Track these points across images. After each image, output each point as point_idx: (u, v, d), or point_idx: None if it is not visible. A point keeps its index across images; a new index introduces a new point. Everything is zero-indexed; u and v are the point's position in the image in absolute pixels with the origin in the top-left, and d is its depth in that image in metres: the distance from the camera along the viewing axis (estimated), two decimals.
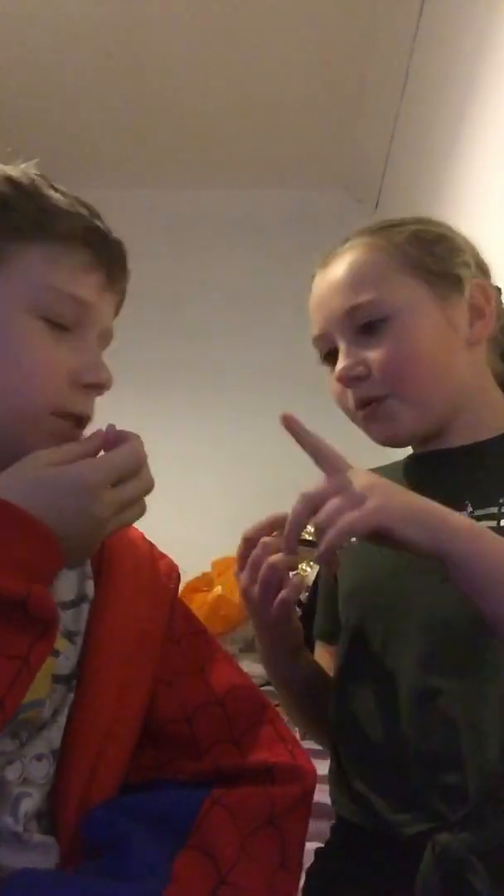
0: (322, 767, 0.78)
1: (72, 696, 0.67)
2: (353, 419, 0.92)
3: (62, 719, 0.66)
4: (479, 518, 0.81)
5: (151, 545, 0.83)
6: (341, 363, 0.88)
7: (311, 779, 0.70)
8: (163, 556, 0.83)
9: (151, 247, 2.79)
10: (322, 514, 0.69)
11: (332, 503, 0.69)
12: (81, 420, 0.69)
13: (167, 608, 0.78)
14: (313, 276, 0.96)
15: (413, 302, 0.87)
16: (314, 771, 0.70)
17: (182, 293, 2.88)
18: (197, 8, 2.17)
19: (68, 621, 0.70)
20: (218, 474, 2.70)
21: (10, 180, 0.68)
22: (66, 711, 0.66)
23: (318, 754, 0.87)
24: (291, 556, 0.80)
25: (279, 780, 0.67)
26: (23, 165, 0.70)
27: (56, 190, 0.70)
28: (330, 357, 0.92)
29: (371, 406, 0.88)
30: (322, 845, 0.88)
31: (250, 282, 2.89)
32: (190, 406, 2.81)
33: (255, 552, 0.83)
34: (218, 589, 2.17)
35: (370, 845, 0.79)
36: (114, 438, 0.65)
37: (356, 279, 0.89)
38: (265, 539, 0.83)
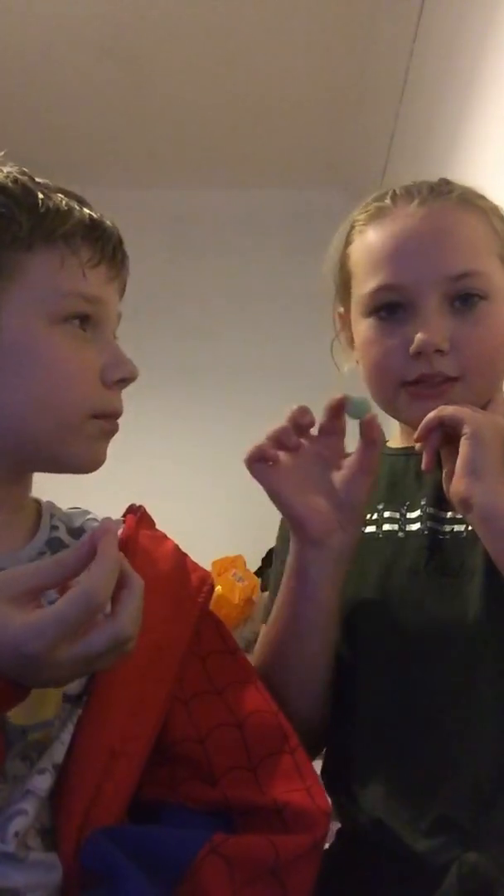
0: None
1: (78, 711, 0.65)
2: (388, 389, 0.82)
3: (66, 736, 0.64)
4: None
5: (184, 556, 0.79)
6: (428, 333, 0.77)
7: (324, 826, 0.66)
8: (196, 568, 0.79)
9: (151, 247, 2.79)
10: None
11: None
12: (115, 417, 0.70)
13: (192, 623, 0.75)
14: (382, 207, 0.84)
15: None
16: (329, 815, 0.67)
17: (181, 293, 2.88)
18: (196, 6, 2.17)
19: None
20: (217, 474, 2.69)
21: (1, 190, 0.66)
22: (70, 728, 0.65)
23: None
24: None
25: (290, 824, 0.64)
26: (6, 169, 0.68)
27: (43, 188, 0.68)
28: (390, 310, 0.81)
29: (438, 385, 0.79)
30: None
31: (250, 281, 2.90)
32: (189, 406, 2.81)
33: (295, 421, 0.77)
34: (218, 589, 2.18)
35: (379, 859, 0.74)
36: (87, 557, 0.55)
37: (475, 244, 0.80)
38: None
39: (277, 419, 0.76)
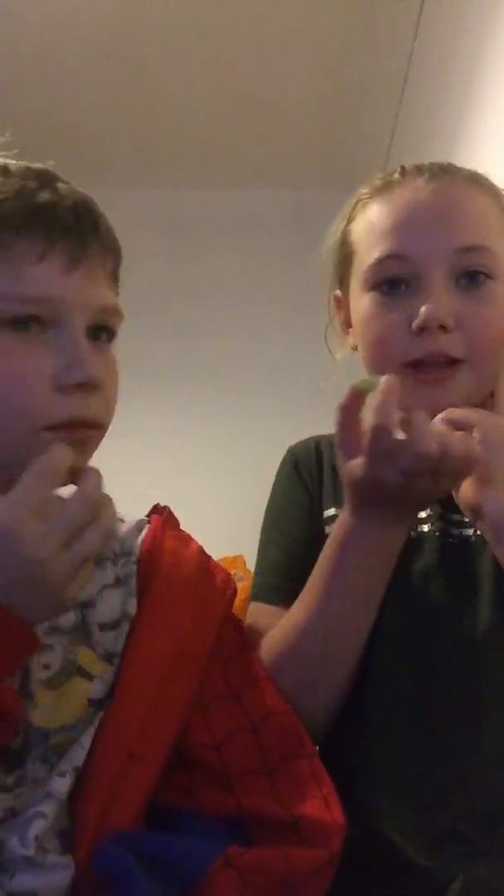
0: None
1: (101, 714, 0.65)
2: (389, 369, 0.75)
3: (86, 739, 0.63)
4: None
5: (207, 558, 0.77)
6: (432, 307, 0.73)
7: (340, 840, 0.63)
8: (219, 570, 0.77)
9: (151, 247, 2.79)
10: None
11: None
12: (80, 426, 0.62)
13: (215, 626, 0.73)
14: (390, 181, 0.81)
15: None
16: (344, 828, 0.64)
17: (181, 293, 2.88)
18: (197, 7, 2.16)
19: (108, 643, 0.67)
20: (217, 474, 2.70)
21: None
22: (91, 731, 0.64)
23: None
24: None
25: (305, 837, 0.62)
26: None
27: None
28: (393, 285, 0.77)
29: (444, 369, 0.75)
30: None
31: (250, 282, 2.89)
32: (189, 406, 2.81)
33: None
34: None
35: (383, 869, 0.71)
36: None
37: (485, 221, 0.78)
38: None
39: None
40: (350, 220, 0.85)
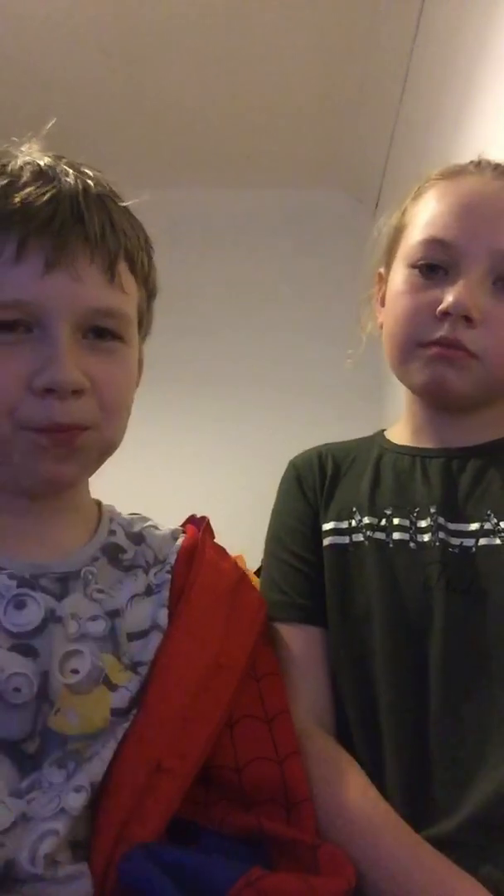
0: None
1: (125, 726, 0.63)
2: (405, 347, 0.79)
3: (107, 752, 0.62)
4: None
5: (243, 575, 0.77)
6: (461, 294, 0.74)
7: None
8: (254, 589, 0.78)
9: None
10: None
11: None
12: (51, 430, 0.61)
13: (251, 642, 0.73)
14: (462, 167, 0.82)
15: None
16: None
17: (181, 293, 2.88)
18: (197, 7, 2.16)
19: (135, 652, 0.67)
20: (217, 473, 2.70)
21: None
22: (112, 744, 0.62)
23: None
24: None
25: (323, 865, 0.61)
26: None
27: None
28: (430, 269, 0.78)
29: (458, 353, 0.75)
30: None
31: (249, 282, 2.89)
32: (189, 406, 2.81)
33: None
34: None
35: None
36: None
37: None
38: None
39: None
40: (415, 197, 0.85)
